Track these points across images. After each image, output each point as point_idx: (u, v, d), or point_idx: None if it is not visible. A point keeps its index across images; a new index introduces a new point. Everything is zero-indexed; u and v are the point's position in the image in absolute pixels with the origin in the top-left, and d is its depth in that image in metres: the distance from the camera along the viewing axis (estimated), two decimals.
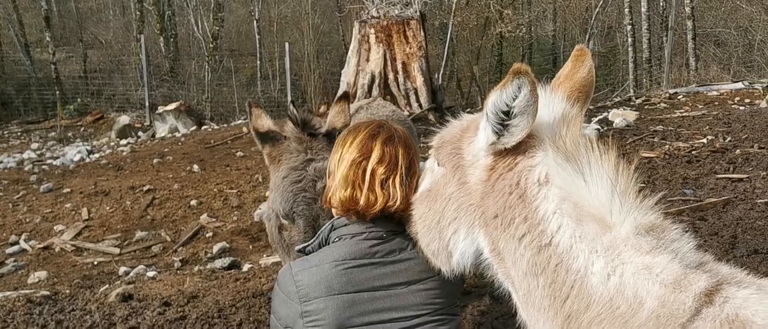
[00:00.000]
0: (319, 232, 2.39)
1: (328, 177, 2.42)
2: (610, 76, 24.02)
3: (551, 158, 1.69)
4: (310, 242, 2.43)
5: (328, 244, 2.35)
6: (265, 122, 3.55)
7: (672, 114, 13.57)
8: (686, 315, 1.43)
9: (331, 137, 3.16)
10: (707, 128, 11.26)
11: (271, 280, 5.86)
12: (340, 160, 2.33)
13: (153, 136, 17.43)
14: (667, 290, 1.48)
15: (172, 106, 18.30)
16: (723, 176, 8.17)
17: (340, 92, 16.76)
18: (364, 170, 2.27)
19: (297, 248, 2.54)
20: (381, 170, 2.25)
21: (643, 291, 1.51)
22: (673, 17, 20.93)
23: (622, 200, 1.60)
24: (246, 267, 6.87)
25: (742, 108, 13.95)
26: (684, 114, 13.40)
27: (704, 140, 10.22)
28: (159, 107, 18.78)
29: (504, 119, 1.72)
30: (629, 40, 21.89)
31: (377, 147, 2.28)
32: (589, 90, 1.94)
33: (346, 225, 2.32)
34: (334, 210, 2.41)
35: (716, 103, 15.32)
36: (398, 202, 2.24)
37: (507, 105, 1.69)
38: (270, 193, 3.21)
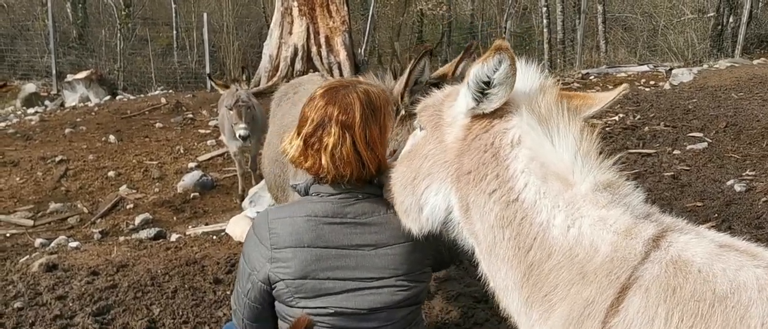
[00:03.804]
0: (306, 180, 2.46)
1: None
2: (526, 56, 24.61)
3: (525, 122, 1.83)
4: (298, 183, 2.49)
5: (309, 195, 2.41)
6: None
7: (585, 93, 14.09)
8: (637, 258, 1.60)
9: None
10: (618, 106, 11.77)
11: (204, 249, 5.82)
12: (298, 129, 2.38)
13: (62, 105, 16.67)
14: (619, 237, 1.65)
15: (82, 74, 17.53)
16: (634, 151, 8.63)
17: (262, 64, 16.50)
18: (319, 139, 2.29)
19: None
20: (331, 140, 2.26)
21: (598, 239, 1.67)
22: (585, 1, 21.67)
23: (583, 161, 1.77)
24: (174, 237, 6.77)
25: (647, 89, 14.64)
26: (596, 94, 13.94)
27: (616, 118, 10.70)
28: (68, 76, 17.98)
29: (484, 89, 1.86)
30: (544, 21, 22.52)
31: (334, 117, 2.27)
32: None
33: (324, 183, 2.38)
34: None
35: (624, 84, 16.02)
36: (353, 171, 2.29)
37: (488, 77, 1.83)
38: None
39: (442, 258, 2.58)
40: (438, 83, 2.92)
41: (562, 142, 1.79)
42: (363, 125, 2.27)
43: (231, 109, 7.78)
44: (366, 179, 2.35)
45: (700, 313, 1.46)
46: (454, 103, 2.00)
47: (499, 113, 1.89)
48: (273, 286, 2.32)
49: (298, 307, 2.30)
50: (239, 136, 7.81)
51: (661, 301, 1.51)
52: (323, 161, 2.28)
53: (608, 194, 1.72)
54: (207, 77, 8.39)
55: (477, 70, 1.83)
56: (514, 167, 1.82)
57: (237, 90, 7.86)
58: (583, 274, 1.65)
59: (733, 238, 1.61)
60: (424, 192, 2.02)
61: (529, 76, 1.95)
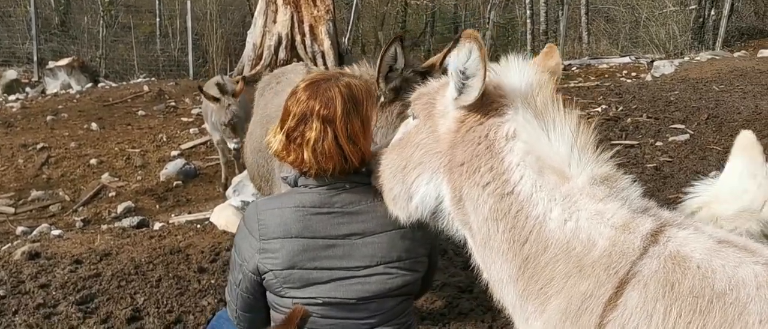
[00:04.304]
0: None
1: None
2: (509, 47, 24.68)
3: (520, 115, 1.82)
4: (288, 174, 2.49)
5: (297, 186, 2.40)
6: None
7: (568, 84, 14.16)
8: (636, 253, 1.59)
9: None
10: (601, 98, 11.84)
11: (188, 238, 5.78)
12: (281, 123, 2.37)
13: (43, 92, 16.46)
14: (617, 232, 1.65)
15: (64, 61, 17.31)
16: (617, 142, 8.68)
17: (245, 53, 16.40)
18: (302, 134, 2.28)
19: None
20: (313, 135, 2.25)
21: (595, 233, 1.67)
22: None
23: (580, 155, 1.76)
24: (157, 225, 6.72)
25: (629, 81, 14.75)
26: (579, 85, 14.01)
27: (599, 109, 10.76)
28: (49, 63, 17.74)
29: (463, 79, 1.85)
30: (528, 12, 22.57)
31: (315, 111, 2.27)
32: (558, 75, 2.11)
33: (309, 177, 2.37)
34: None
35: (606, 75, 16.13)
36: (335, 165, 2.28)
37: (463, 66, 1.82)
38: None
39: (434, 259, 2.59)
40: (425, 73, 2.92)
41: (558, 135, 1.78)
42: (344, 119, 2.26)
43: (226, 125, 7.72)
44: (349, 171, 2.34)
45: (699, 309, 1.46)
46: (446, 93, 1.99)
47: (493, 105, 1.88)
48: (262, 277, 2.33)
49: (288, 297, 2.30)
50: (233, 149, 7.88)
51: (660, 296, 1.51)
52: (305, 156, 2.28)
53: (605, 188, 1.72)
54: (198, 89, 8.23)
55: (452, 59, 1.84)
56: (510, 160, 1.81)
57: (229, 105, 7.69)
58: (580, 268, 1.64)
59: (731, 234, 1.61)
60: (415, 181, 2.01)
61: (524, 70, 1.94)
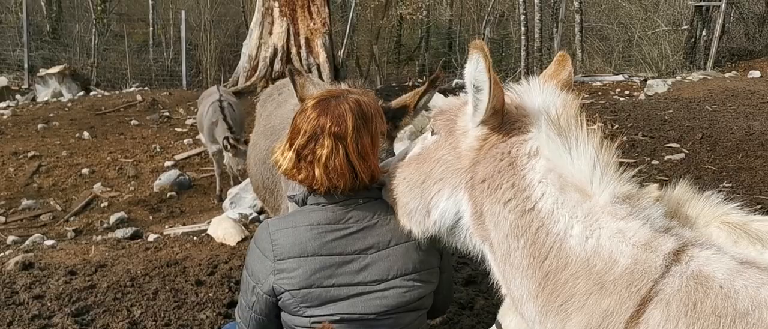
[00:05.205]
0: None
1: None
2: (503, 63, 24.80)
3: (544, 134, 1.82)
4: (296, 193, 2.46)
5: (307, 204, 2.38)
6: (311, 93, 3.40)
7: None
8: (658, 272, 1.58)
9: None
10: (596, 115, 11.89)
11: (185, 250, 5.72)
12: (289, 141, 2.33)
13: (33, 100, 16.37)
14: (639, 250, 1.64)
15: (55, 69, 17.23)
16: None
17: (240, 63, 16.37)
18: (312, 151, 2.25)
19: (288, 193, 2.56)
20: (324, 152, 2.23)
21: (617, 251, 1.65)
22: (563, 10, 21.87)
23: (603, 173, 1.75)
24: (152, 237, 6.66)
25: (622, 99, 14.82)
26: None
27: (594, 127, 10.79)
28: (40, 70, 17.66)
29: (476, 94, 1.85)
30: (522, 29, 22.65)
31: (326, 129, 2.23)
32: (570, 87, 2.11)
33: (318, 194, 2.35)
34: None
35: (600, 93, 16.19)
36: (346, 182, 2.25)
37: (474, 78, 1.82)
38: None
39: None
40: (397, 113, 2.88)
41: (581, 154, 1.78)
42: (355, 136, 2.24)
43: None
44: (359, 189, 2.32)
45: (721, 328, 1.45)
46: (466, 111, 1.99)
47: (517, 125, 1.89)
48: (278, 297, 2.29)
49: (305, 316, 2.27)
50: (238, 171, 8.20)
51: (682, 315, 1.50)
52: (316, 173, 2.25)
53: (627, 206, 1.71)
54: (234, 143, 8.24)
55: (467, 74, 1.85)
56: (531, 177, 1.81)
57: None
58: (602, 285, 1.63)
59: (754, 254, 1.60)
60: (435, 196, 2.01)
61: (547, 90, 1.95)
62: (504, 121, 1.89)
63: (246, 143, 7.42)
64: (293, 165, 2.30)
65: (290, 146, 2.31)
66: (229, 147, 7.87)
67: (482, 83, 1.81)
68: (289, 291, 2.25)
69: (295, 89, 3.14)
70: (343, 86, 2.91)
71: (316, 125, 2.24)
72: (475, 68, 1.80)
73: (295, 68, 3.39)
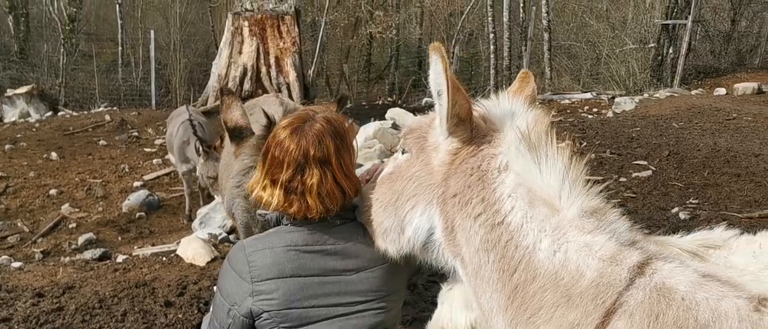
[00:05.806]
0: None
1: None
2: (473, 81, 25.01)
3: (514, 148, 1.85)
4: (267, 212, 2.40)
5: (281, 224, 2.35)
6: (236, 115, 3.37)
7: None
8: (622, 284, 1.62)
9: None
10: (565, 133, 12.03)
11: (154, 271, 5.66)
12: (269, 176, 2.27)
13: (0, 120, 16.13)
14: (605, 264, 1.67)
15: (22, 89, 17.01)
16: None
17: (210, 83, 16.27)
18: (302, 182, 2.21)
19: (259, 211, 2.50)
20: (315, 180, 2.20)
21: (583, 265, 1.69)
22: (532, 29, 22.17)
23: (571, 188, 1.79)
24: (121, 258, 6.57)
25: (591, 116, 15.04)
26: None
27: (563, 145, 10.93)
28: (8, 90, 17.42)
29: (438, 99, 1.87)
30: (491, 47, 22.91)
31: (310, 156, 2.20)
32: (534, 103, 2.15)
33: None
34: None
35: (568, 110, 16.43)
36: (337, 203, 2.23)
37: (435, 82, 1.83)
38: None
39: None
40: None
41: (551, 169, 1.81)
42: (337, 157, 2.23)
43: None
44: (347, 207, 2.31)
45: None
46: (436, 125, 2.01)
47: (487, 139, 1.92)
48: (257, 318, 2.25)
49: None
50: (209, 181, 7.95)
51: (645, 326, 1.53)
52: (310, 203, 2.21)
53: (594, 221, 1.74)
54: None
55: (430, 81, 1.86)
56: (501, 191, 1.83)
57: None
58: (569, 297, 1.66)
59: (716, 268, 1.65)
60: (409, 213, 2.02)
61: (517, 105, 1.98)
62: (474, 135, 1.92)
63: (216, 150, 7.41)
64: (284, 200, 2.24)
65: (274, 183, 2.25)
66: (200, 151, 7.76)
67: (441, 85, 1.82)
68: (268, 311, 2.22)
69: (221, 109, 3.16)
70: (294, 104, 2.90)
71: (298, 155, 2.20)
72: (435, 71, 1.82)
73: (227, 88, 3.40)
